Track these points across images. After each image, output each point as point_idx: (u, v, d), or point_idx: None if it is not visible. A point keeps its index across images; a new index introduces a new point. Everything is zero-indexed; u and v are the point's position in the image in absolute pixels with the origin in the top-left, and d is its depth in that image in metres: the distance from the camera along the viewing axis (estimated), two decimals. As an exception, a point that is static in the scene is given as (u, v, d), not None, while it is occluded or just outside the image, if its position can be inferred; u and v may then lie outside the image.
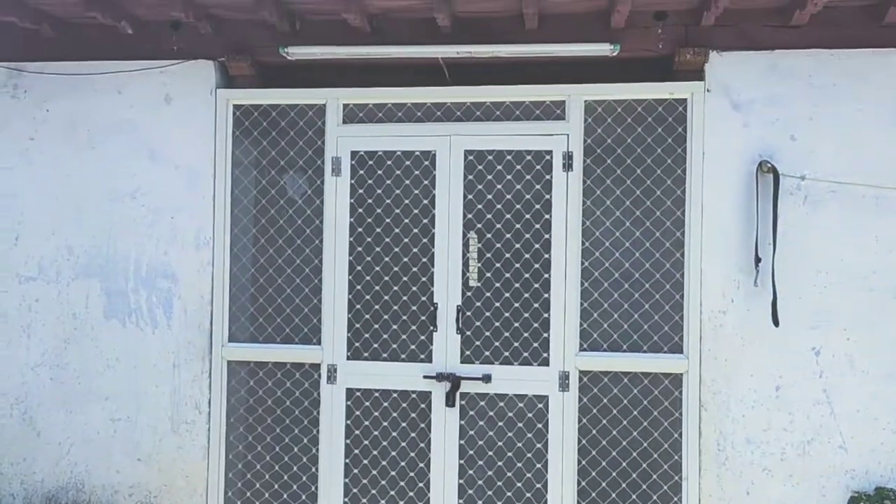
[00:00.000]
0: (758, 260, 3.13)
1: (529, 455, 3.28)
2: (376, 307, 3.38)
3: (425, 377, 3.30)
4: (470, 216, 3.31)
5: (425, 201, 3.35)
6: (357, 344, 3.38)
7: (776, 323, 3.11)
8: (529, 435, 3.28)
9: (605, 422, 3.26)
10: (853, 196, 3.14)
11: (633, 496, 3.25)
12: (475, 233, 3.50)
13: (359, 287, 3.39)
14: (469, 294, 3.33)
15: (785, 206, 3.15)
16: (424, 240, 3.35)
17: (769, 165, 3.13)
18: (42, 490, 3.51)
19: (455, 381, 3.26)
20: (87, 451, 3.48)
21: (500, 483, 3.30)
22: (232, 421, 3.47)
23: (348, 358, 3.37)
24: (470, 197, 3.31)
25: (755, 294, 3.17)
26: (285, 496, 3.44)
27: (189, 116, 3.45)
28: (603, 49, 3.25)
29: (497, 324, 3.31)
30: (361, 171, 3.41)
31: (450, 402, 3.25)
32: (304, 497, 3.42)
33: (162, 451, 3.45)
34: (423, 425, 3.32)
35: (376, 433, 3.37)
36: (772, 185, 3.13)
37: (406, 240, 3.36)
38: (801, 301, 3.15)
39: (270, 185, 3.51)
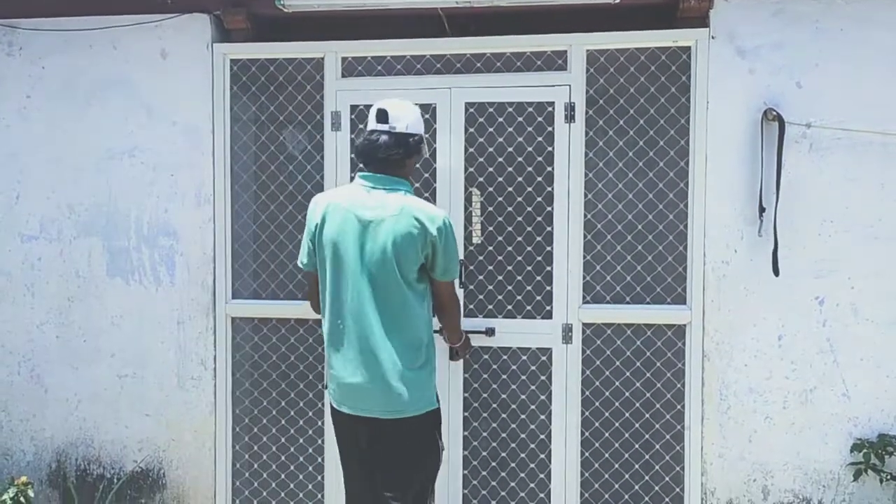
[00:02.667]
0: (762, 209, 3.11)
1: (533, 407, 3.30)
2: (378, 262, 3.37)
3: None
4: (471, 170, 3.28)
5: (426, 155, 3.31)
6: (360, 299, 3.38)
7: (776, 272, 3.09)
8: (533, 387, 3.30)
9: (608, 373, 3.28)
10: (859, 143, 3.10)
11: (636, 445, 3.28)
12: (478, 188, 3.48)
13: (361, 242, 3.38)
14: (471, 248, 3.32)
15: (790, 154, 3.11)
16: (426, 194, 3.32)
17: (774, 113, 3.08)
18: (52, 446, 3.56)
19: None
20: (95, 407, 3.52)
21: (504, 435, 3.33)
22: (238, 376, 3.49)
23: (351, 313, 3.37)
24: (471, 150, 3.27)
25: (759, 244, 3.15)
26: (292, 449, 3.48)
27: (185, 72, 3.41)
28: (605, -4, 3.18)
29: (500, 278, 3.31)
30: (361, 126, 3.37)
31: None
32: (310, 450, 3.46)
33: (169, 406, 3.48)
34: (426, 378, 3.33)
35: (381, 387, 3.39)
36: (777, 134, 3.09)
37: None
38: (805, 250, 3.13)
39: (270, 141, 3.48)
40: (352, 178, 2.93)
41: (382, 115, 2.55)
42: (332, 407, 2.68)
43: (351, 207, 2.53)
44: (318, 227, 2.57)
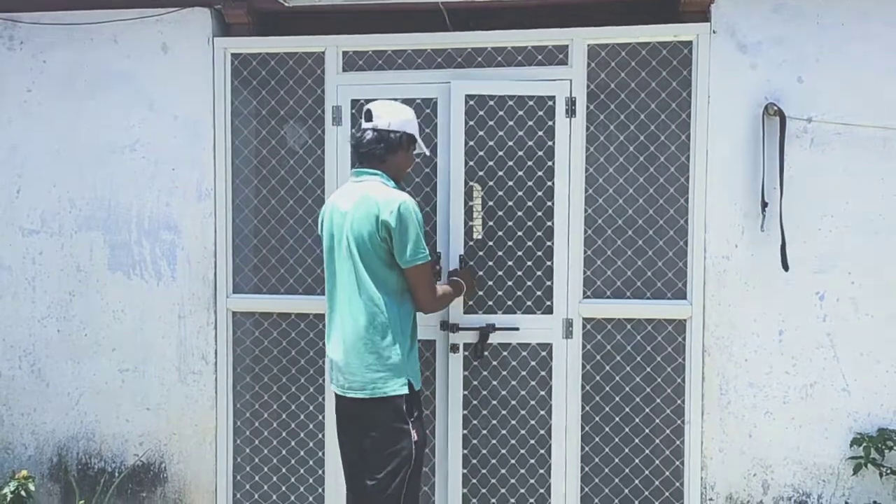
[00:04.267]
0: (764, 205, 3.11)
1: (533, 402, 3.30)
2: (379, 257, 3.37)
3: (442, 328, 3.30)
4: (472, 164, 3.27)
5: (426, 150, 3.31)
6: (361, 293, 3.38)
7: (786, 267, 3.09)
8: (533, 383, 3.30)
9: (608, 368, 3.28)
10: (860, 138, 3.10)
11: (636, 440, 3.28)
12: (478, 183, 3.47)
13: (361, 237, 3.38)
14: (471, 243, 3.32)
15: (791, 149, 3.11)
16: (427, 189, 3.32)
17: (776, 108, 3.08)
18: (53, 440, 3.56)
19: (457, 329, 3.26)
20: (96, 401, 3.53)
21: (503, 431, 3.33)
22: (239, 371, 3.50)
23: (352, 307, 3.37)
24: (471, 144, 3.27)
25: (760, 239, 3.15)
26: (293, 444, 3.49)
27: (187, 66, 3.41)
28: (606, -10, 3.18)
29: (500, 273, 3.31)
30: (362, 120, 3.36)
31: (455, 350, 3.27)
32: (311, 444, 3.47)
33: (170, 400, 3.49)
34: (427, 373, 3.33)
35: (381, 381, 3.39)
36: (778, 129, 3.09)
37: (408, 189, 3.34)
38: (805, 245, 3.14)
39: (271, 135, 3.48)
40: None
41: (368, 114, 2.78)
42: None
43: (336, 202, 2.76)
44: (320, 225, 2.85)
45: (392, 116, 2.75)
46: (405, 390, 2.67)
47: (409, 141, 2.79)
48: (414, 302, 2.76)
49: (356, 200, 2.67)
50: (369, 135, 2.74)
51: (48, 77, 3.50)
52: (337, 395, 2.77)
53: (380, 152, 2.74)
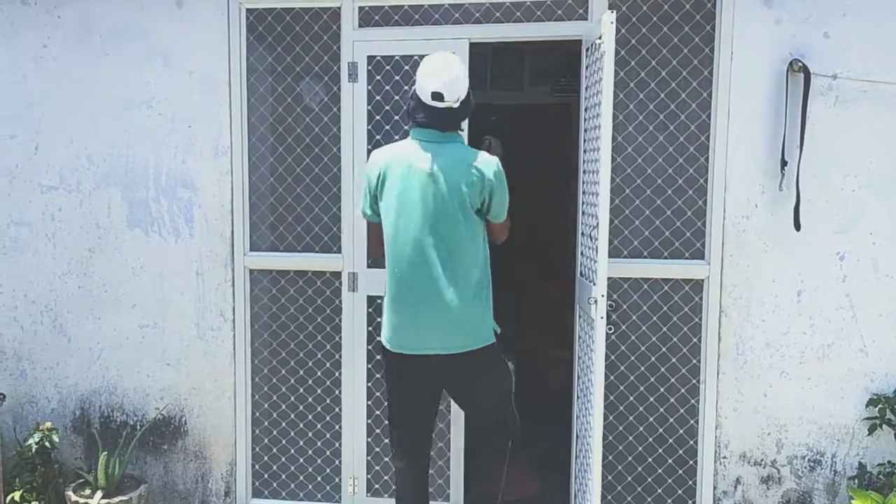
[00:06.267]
0: (784, 163, 3.06)
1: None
2: (396, 215, 3.37)
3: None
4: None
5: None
6: (377, 252, 3.39)
7: (798, 227, 3.06)
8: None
9: (623, 327, 3.28)
10: (885, 96, 3.03)
11: (651, 399, 3.30)
12: (495, 139, 3.44)
13: (378, 195, 3.37)
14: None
15: (815, 107, 3.05)
16: (443, 146, 3.30)
17: (800, 64, 3.01)
18: (76, 393, 3.63)
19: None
20: (117, 356, 3.59)
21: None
22: (256, 328, 3.53)
23: (368, 266, 3.39)
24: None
25: (780, 198, 3.11)
26: (310, 399, 3.53)
27: (201, 21, 3.38)
28: (629, -58, 3.10)
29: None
30: (378, 77, 3.33)
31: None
32: (328, 400, 3.52)
33: (189, 356, 3.54)
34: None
35: (397, 339, 3.42)
36: (802, 86, 3.03)
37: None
38: (827, 205, 3.10)
39: (287, 93, 3.46)
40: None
41: (438, 97, 2.61)
42: (388, 353, 2.80)
43: (413, 161, 2.66)
44: (380, 180, 2.71)
45: (460, 87, 2.65)
46: (497, 333, 2.81)
47: (470, 96, 2.77)
48: (494, 242, 2.86)
49: (448, 161, 2.64)
50: (447, 116, 2.66)
51: (63, 32, 3.48)
52: (416, 357, 2.71)
53: (461, 120, 2.75)
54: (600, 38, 2.78)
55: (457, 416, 3.36)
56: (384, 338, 2.79)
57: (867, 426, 3.12)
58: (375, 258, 2.86)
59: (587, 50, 3.12)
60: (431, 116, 2.66)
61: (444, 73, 2.62)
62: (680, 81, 3.18)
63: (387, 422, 3.02)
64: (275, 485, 3.60)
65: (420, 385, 2.80)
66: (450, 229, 2.63)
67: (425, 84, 2.62)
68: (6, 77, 3.53)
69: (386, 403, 2.99)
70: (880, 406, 3.07)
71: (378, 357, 3.34)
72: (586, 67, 3.14)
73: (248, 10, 3.39)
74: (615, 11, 2.81)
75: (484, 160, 2.68)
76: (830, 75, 3.04)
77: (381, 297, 3.37)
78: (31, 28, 3.50)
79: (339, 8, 3.33)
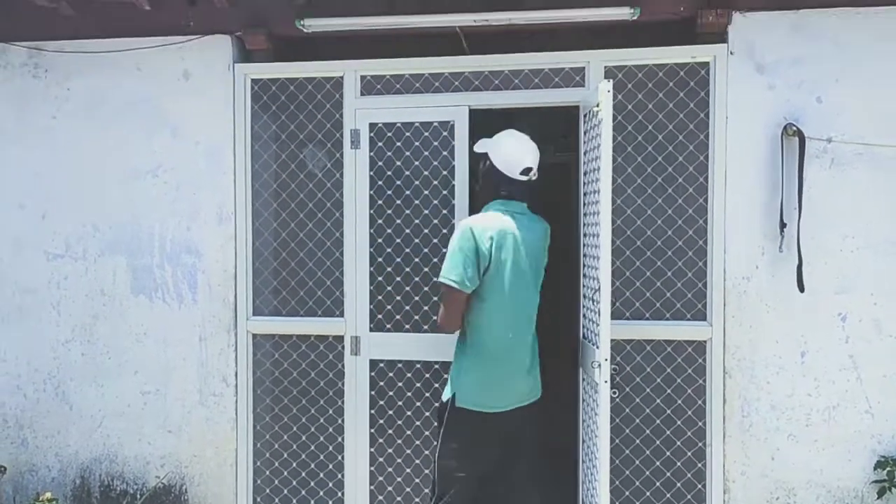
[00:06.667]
0: (783, 225, 3.09)
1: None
2: (398, 279, 3.39)
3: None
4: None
5: (444, 172, 3.34)
6: (380, 316, 3.41)
7: (801, 289, 3.07)
8: (553, 403, 3.29)
9: (628, 389, 3.26)
10: (880, 158, 3.08)
11: (657, 462, 3.26)
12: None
13: (380, 259, 3.40)
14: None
15: (811, 169, 3.10)
16: (444, 211, 3.34)
17: (794, 128, 3.07)
18: (76, 462, 3.60)
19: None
20: (118, 423, 3.57)
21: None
22: (259, 393, 3.52)
23: (371, 329, 3.40)
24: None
25: (780, 260, 3.13)
26: (312, 466, 3.50)
27: (208, 92, 3.47)
28: (623, 13, 3.19)
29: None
30: (380, 144, 3.40)
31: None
32: (331, 466, 3.48)
33: (191, 422, 3.52)
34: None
35: (400, 403, 3.40)
36: (797, 149, 3.08)
37: (426, 211, 3.36)
38: (827, 266, 3.11)
39: (290, 160, 3.52)
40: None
41: (527, 171, 2.87)
42: (471, 413, 2.82)
43: (517, 232, 2.83)
44: (493, 250, 2.78)
45: (537, 163, 2.92)
46: None
47: None
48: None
49: (531, 229, 2.88)
50: (528, 186, 2.90)
51: (72, 104, 3.56)
52: (503, 412, 2.83)
53: (536, 191, 2.96)
54: (598, 105, 2.84)
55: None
56: (470, 401, 2.82)
57: (876, 489, 3.07)
58: (454, 328, 2.87)
59: (585, 116, 3.18)
60: (518, 190, 2.87)
61: (532, 150, 2.89)
62: (677, 145, 3.24)
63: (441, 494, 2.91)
64: (277, 554, 3.55)
65: (498, 440, 2.88)
66: (535, 297, 2.92)
67: (516, 160, 2.84)
68: (15, 147, 3.60)
69: (437, 476, 2.89)
70: (888, 469, 3.03)
71: (381, 420, 3.32)
72: (584, 133, 3.19)
73: (253, 80, 3.48)
74: (611, 80, 2.87)
75: (546, 227, 3.00)
76: (825, 139, 3.09)
77: (383, 361, 3.38)
78: (41, 100, 3.58)
79: (342, 77, 3.41)
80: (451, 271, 2.76)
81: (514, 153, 2.85)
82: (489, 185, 2.89)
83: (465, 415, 2.83)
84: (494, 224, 2.80)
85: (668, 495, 3.26)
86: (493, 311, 2.81)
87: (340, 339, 3.44)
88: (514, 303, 2.82)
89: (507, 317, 2.82)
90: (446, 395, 2.89)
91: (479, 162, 2.97)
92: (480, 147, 2.94)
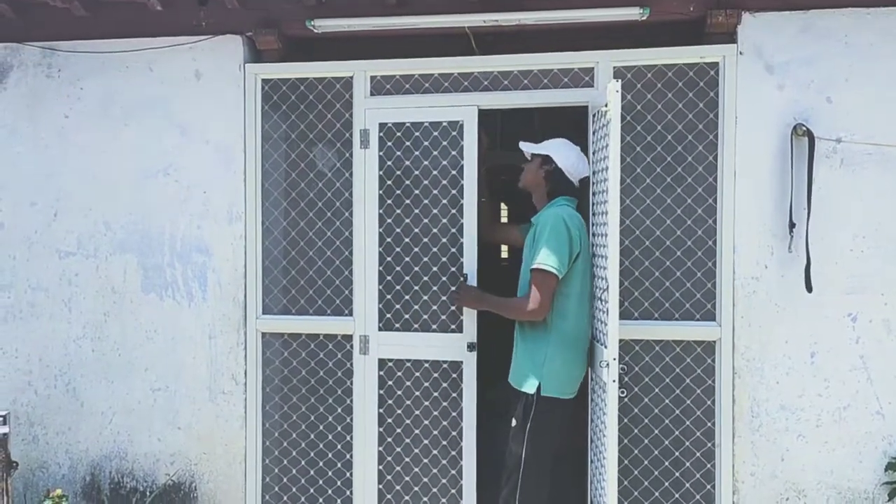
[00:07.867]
0: (792, 225, 3.08)
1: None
2: (407, 278, 3.40)
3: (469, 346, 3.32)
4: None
5: (454, 172, 3.35)
6: (388, 315, 3.42)
7: (809, 289, 3.07)
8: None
9: (636, 390, 3.26)
10: (890, 158, 3.07)
11: (666, 463, 3.25)
12: (504, 203, 3.49)
13: (389, 258, 3.41)
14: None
15: (820, 169, 3.09)
16: (453, 210, 3.35)
17: (804, 129, 3.07)
18: (86, 458, 3.62)
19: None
20: (128, 420, 3.59)
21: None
22: (268, 391, 3.54)
23: (380, 329, 3.41)
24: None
25: (789, 260, 3.12)
26: (321, 464, 3.51)
27: (219, 92, 3.49)
28: (632, 13, 3.20)
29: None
30: (390, 143, 3.41)
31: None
32: (339, 465, 3.49)
33: (201, 420, 3.54)
34: (454, 395, 3.35)
35: (409, 402, 3.41)
36: (807, 149, 3.07)
37: (435, 210, 3.37)
38: (836, 266, 3.10)
39: (300, 159, 3.53)
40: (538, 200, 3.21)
41: (584, 180, 3.19)
42: (558, 401, 2.95)
43: (584, 226, 3.09)
44: (583, 241, 3.02)
45: None
46: None
47: None
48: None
49: (585, 225, 3.10)
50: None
51: (85, 104, 3.60)
52: (573, 401, 3.01)
53: None
54: (606, 105, 2.84)
55: (469, 445, 3.33)
56: (557, 389, 2.94)
57: (887, 491, 3.06)
58: (543, 314, 2.95)
59: (594, 116, 3.19)
60: (572, 190, 3.14)
61: (587, 162, 3.18)
62: (686, 145, 3.23)
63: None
64: (285, 552, 3.56)
65: (568, 427, 3.04)
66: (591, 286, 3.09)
67: (580, 170, 3.13)
68: (28, 146, 3.64)
69: (524, 467, 2.95)
70: (900, 470, 3.02)
71: (389, 420, 3.33)
72: (593, 133, 3.20)
73: (263, 80, 3.50)
74: (620, 80, 2.88)
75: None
76: (835, 139, 3.09)
77: (391, 360, 3.39)
78: (54, 100, 3.62)
79: (352, 77, 3.43)
80: (549, 258, 2.90)
81: (578, 163, 3.11)
82: (552, 184, 3.11)
83: (554, 403, 2.95)
84: (575, 217, 3.02)
85: (677, 496, 3.25)
86: (576, 299, 2.98)
87: (349, 337, 3.45)
88: (587, 291, 3.03)
89: (585, 304, 3.02)
90: (529, 387, 2.94)
91: (521, 159, 3.22)
92: (541, 149, 3.13)
